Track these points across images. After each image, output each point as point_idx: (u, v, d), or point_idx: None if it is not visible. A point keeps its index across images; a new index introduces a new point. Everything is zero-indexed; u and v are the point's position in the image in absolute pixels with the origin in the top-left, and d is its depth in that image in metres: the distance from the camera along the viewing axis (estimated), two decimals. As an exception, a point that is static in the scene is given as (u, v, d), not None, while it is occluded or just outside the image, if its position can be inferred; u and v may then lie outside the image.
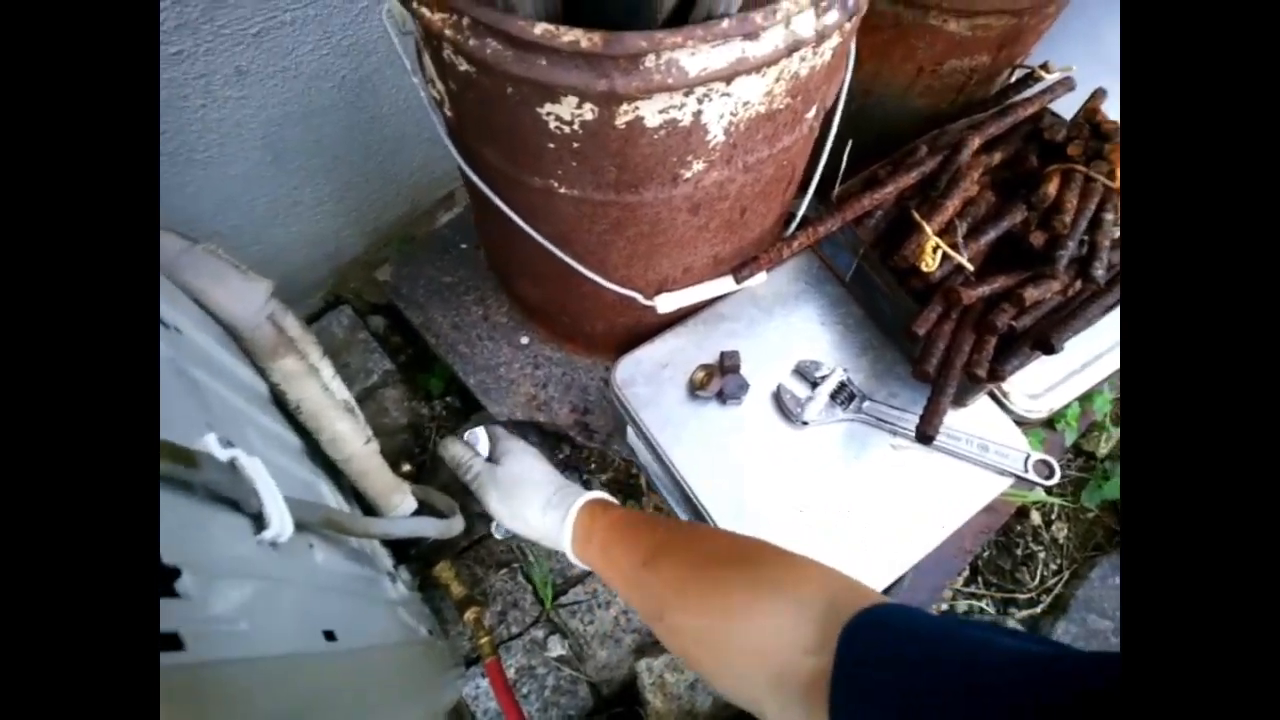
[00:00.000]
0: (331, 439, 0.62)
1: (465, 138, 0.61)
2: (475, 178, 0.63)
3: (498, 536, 0.90)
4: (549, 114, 0.50)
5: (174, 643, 0.20)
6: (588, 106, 0.48)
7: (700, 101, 0.49)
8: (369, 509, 0.67)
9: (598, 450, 0.94)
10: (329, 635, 0.35)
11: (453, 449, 0.70)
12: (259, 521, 0.32)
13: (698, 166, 0.55)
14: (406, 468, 0.81)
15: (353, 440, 0.63)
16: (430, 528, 0.63)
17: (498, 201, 0.63)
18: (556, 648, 0.86)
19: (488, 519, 0.93)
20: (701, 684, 0.84)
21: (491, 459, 0.70)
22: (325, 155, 0.90)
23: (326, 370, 0.70)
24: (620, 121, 0.49)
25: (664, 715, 0.83)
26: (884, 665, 0.34)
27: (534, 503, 0.64)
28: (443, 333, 0.98)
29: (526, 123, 0.52)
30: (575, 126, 0.50)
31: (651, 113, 0.49)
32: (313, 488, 0.59)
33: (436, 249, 1.04)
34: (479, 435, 0.72)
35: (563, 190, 0.57)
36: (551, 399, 0.92)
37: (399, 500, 0.67)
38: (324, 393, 0.62)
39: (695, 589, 0.47)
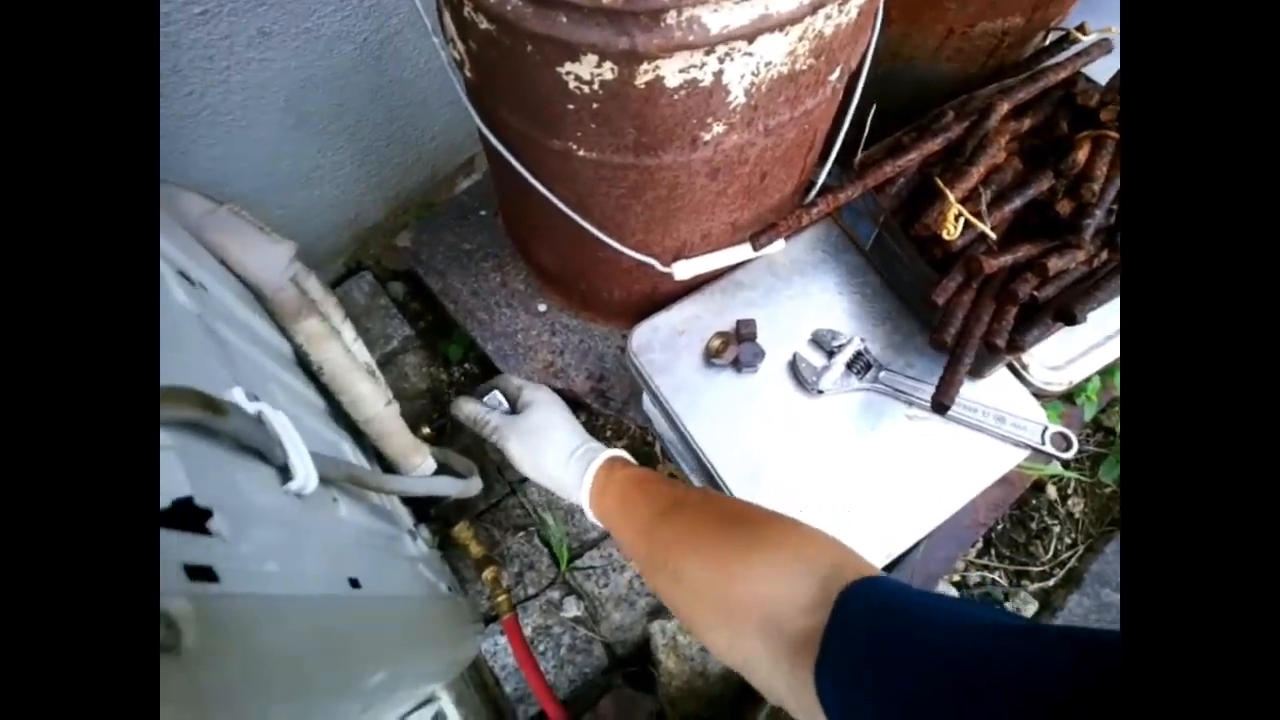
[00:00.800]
0: (353, 400, 0.63)
1: (485, 100, 0.61)
2: (494, 140, 0.63)
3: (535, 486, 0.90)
4: (569, 73, 0.49)
5: (208, 575, 0.21)
6: (608, 65, 0.48)
7: (721, 61, 0.48)
8: (389, 470, 0.68)
9: (613, 418, 0.95)
10: (354, 582, 0.36)
11: (468, 407, 0.71)
12: (285, 473, 0.33)
13: (718, 129, 0.54)
14: (425, 431, 0.82)
15: (374, 402, 0.64)
16: (449, 487, 0.64)
17: (516, 165, 0.63)
18: (572, 609, 0.88)
19: (509, 480, 0.95)
20: (714, 646, 0.85)
21: (513, 410, 0.70)
22: (347, 119, 0.90)
23: (348, 333, 0.71)
24: (640, 81, 0.49)
25: (676, 675, 0.84)
26: (876, 632, 0.34)
27: (558, 455, 0.64)
28: (461, 299, 0.99)
29: (546, 83, 0.51)
30: (595, 86, 0.50)
31: (672, 72, 0.48)
32: (336, 447, 0.61)
33: (456, 215, 1.05)
34: (498, 398, 0.72)
35: (581, 153, 0.57)
36: (568, 366, 0.93)
37: (419, 461, 0.68)
38: (346, 355, 0.63)
39: (707, 539, 0.48)
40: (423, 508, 0.73)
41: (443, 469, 0.70)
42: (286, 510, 0.32)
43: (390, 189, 1.05)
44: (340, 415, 0.65)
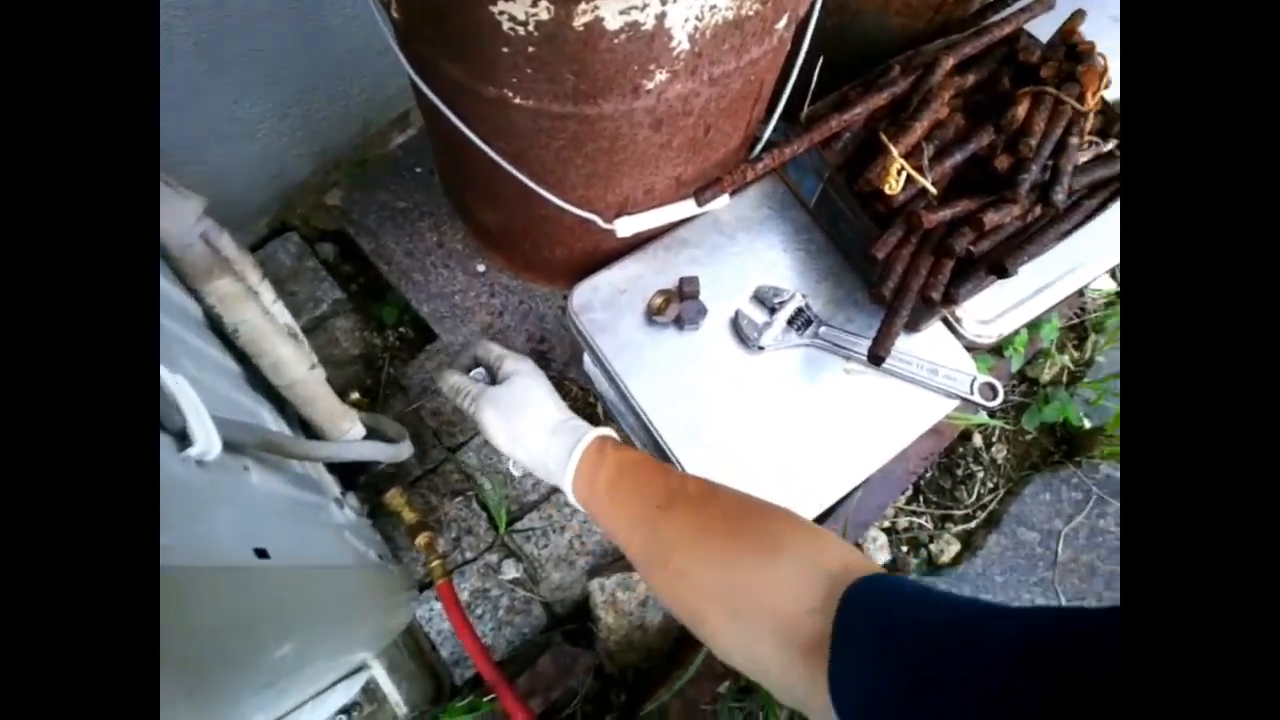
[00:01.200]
0: (273, 364, 0.59)
1: (415, 44, 0.57)
2: (425, 89, 0.59)
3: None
4: (502, 13, 0.46)
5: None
6: (543, 4, 0.45)
7: (664, 2, 0.46)
8: (316, 436, 0.65)
9: (555, 379, 0.93)
10: (261, 553, 0.34)
11: (452, 378, 0.66)
12: (183, 439, 0.31)
13: (660, 77, 0.52)
14: (355, 396, 0.79)
15: (296, 366, 0.60)
16: (376, 452, 0.62)
17: (450, 115, 0.59)
18: (510, 571, 0.87)
19: (447, 446, 0.92)
20: (651, 600, 0.86)
21: (494, 381, 0.66)
22: (266, 67, 0.83)
23: (267, 294, 0.67)
24: (578, 22, 0.46)
25: (615, 630, 0.85)
26: (884, 629, 0.33)
27: (539, 426, 0.60)
28: (395, 260, 0.94)
29: (478, 23, 0.48)
30: (530, 28, 0.47)
31: (612, 13, 0.45)
32: (254, 414, 0.57)
33: (389, 173, 1.00)
34: (482, 372, 0.69)
35: (518, 101, 0.54)
36: (508, 327, 0.90)
37: (347, 427, 0.65)
38: (264, 316, 0.59)
39: (715, 538, 0.46)
40: (351, 475, 0.70)
41: (373, 435, 0.67)
42: (184, 478, 0.29)
43: (317, 144, 0.98)
44: (260, 382, 0.61)
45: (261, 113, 0.87)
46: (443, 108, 0.59)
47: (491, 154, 0.61)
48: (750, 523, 0.46)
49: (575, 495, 0.58)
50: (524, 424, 0.61)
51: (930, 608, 0.32)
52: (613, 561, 0.89)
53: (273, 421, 0.61)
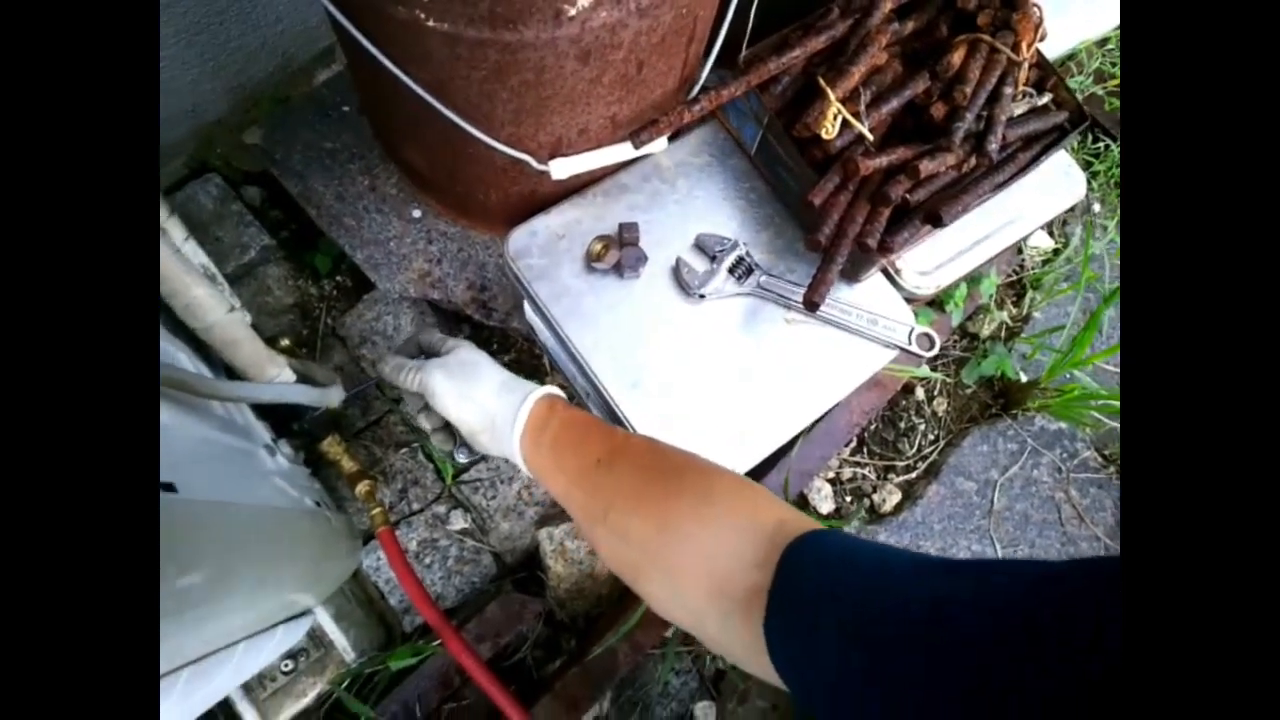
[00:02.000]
0: (187, 305, 0.57)
1: (321, -40, 0.53)
2: (332, 8, 0.56)
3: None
4: (408, -76, 0.43)
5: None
6: (451, -86, 0.42)
7: (581, -82, 0.44)
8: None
9: (498, 330, 0.92)
10: (168, 486, 0.33)
11: (395, 359, 0.64)
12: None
13: (583, 2, 0.50)
14: (284, 343, 0.76)
15: (213, 308, 0.58)
16: (301, 395, 0.60)
17: (363, 40, 0.56)
18: (459, 521, 0.87)
19: (391, 397, 0.90)
20: (600, 548, 0.87)
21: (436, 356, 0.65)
22: (158, -16, 0.77)
23: (177, 232, 0.63)
24: (490, -63, 0.44)
25: (564, 578, 0.86)
26: (822, 584, 0.34)
27: (488, 383, 0.59)
28: (325, 204, 0.91)
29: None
30: (439, -59, 0.44)
31: (525, -72, 0.43)
32: (168, 355, 0.55)
33: (315, 111, 0.95)
34: (423, 359, 0.67)
35: (432, 23, 0.51)
36: (446, 275, 0.88)
37: (274, 372, 0.63)
38: (174, 256, 0.56)
39: (652, 493, 0.46)
40: (283, 422, 0.68)
41: (303, 381, 0.66)
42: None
43: (232, 77, 0.93)
44: (180, 327, 0.58)
45: (163, 38, 0.81)
46: (353, 30, 0.56)
47: (412, 85, 0.58)
48: (689, 479, 0.46)
49: (521, 453, 0.57)
50: (472, 382, 0.60)
51: (873, 572, 0.33)
52: (561, 511, 0.89)
53: (190, 363, 0.58)
